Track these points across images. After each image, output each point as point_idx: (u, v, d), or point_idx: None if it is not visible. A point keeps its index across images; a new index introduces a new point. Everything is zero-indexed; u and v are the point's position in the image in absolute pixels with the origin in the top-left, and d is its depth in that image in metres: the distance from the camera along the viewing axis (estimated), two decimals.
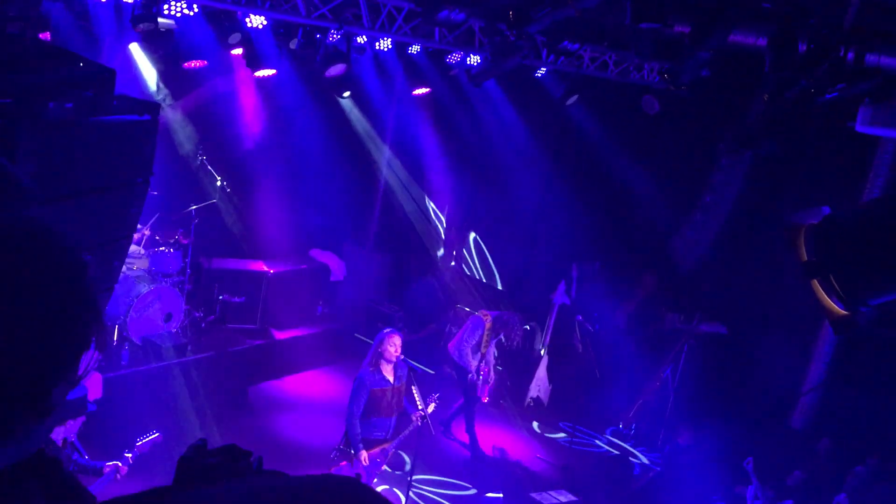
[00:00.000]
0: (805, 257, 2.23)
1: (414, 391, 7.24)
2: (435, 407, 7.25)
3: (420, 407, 7.15)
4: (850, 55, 7.18)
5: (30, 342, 0.97)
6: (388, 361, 7.04)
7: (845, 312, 2.14)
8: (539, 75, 10.12)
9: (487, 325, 9.20)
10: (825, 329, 10.15)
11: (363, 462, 6.89)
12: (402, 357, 7.14)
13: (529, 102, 11.48)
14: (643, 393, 10.64)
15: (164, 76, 9.87)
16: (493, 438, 10.06)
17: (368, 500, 0.90)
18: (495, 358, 9.76)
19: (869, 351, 9.81)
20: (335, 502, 0.87)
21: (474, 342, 9.17)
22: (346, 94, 9.79)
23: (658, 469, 9.84)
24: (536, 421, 10.76)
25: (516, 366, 11.37)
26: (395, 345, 7.03)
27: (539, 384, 11.12)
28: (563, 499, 8.97)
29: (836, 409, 10.17)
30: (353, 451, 6.93)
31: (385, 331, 7.27)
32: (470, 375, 9.11)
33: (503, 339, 9.29)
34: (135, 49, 9.18)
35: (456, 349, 9.29)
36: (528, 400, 11.09)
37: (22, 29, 5.03)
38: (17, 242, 0.98)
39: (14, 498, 1.10)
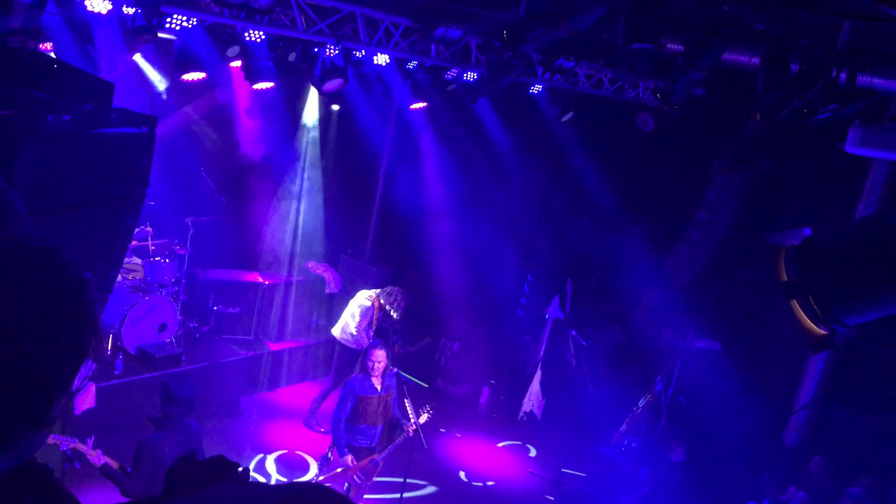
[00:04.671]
0: (785, 277, 2.28)
1: (406, 403, 7.27)
2: (428, 418, 7.27)
3: (412, 419, 7.17)
4: (843, 76, 7.27)
5: (34, 358, 1.01)
6: (373, 375, 7.08)
7: (822, 331, 2.19)
8: (535, 92, 10.20)
9: (375, 303, 9.45)
10: None
11: (349, 465, 6.93)
12: (396, 370, 7.20)
13: (525, 119, 11.54)
14: (636, 409, 10.65)
15: (165, 87, 9.94)
16: (486, 452, 10.08)
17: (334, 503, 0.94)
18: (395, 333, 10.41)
19: (861, 369, 9.85)
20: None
21: (367, 321, 9.44)
22: (335, 107, 9.91)
23: (649, 485, 9.84)
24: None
25: (510, 380, 11.39)
26: (377, 359, 7.07)
27: (532, 398, 11.14)
28: None
29: (829, 426, 10.20)
30: (339, 456, 6.97)
31: (370, 344, 7.36)
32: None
33: (388, 308, 9.49)
34: (139, 59, 9.26)
35: (347, 333, 9.51)
36: (522, 414, 11.10)
37: (23, 42, 5.08)
38: (19, 261, 1.03)
39: (5, 501, 1.14)
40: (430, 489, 8.88)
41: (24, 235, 1.12)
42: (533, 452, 10.25)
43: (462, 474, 9.47)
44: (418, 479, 8.75)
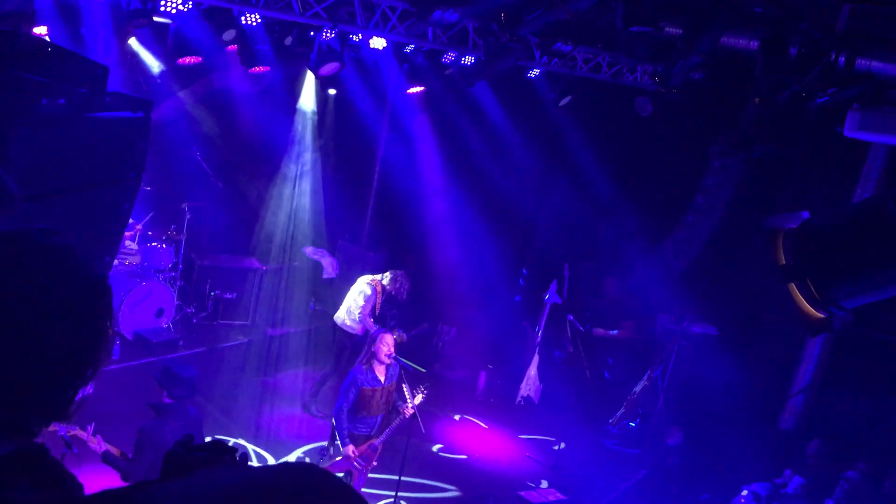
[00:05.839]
0: (783, 261, 2.27)
1: (404, 387, 7.25)
2: (423, 399, 7.25)
3: (409, 403, 7.15)
4: (842, 59, 7.23)
5: (69, 356, 1.05)
6: (381, 362, 7.04)
7: (820, 315, 2.19)
8: (533, 76, 10.16)
9: (377, 288, 9.39)
10: None
11: (351, 455, 6.92)
12: (394, 356, 7.15)
13: (522, 103, 11.50)
14: (633, 393, 10.69)
15: (160, 71, 9.89)
16: (483, 436, 10.10)
17: (324, 482, 0.94)
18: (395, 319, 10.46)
19: (858, 353, 9.87)
20: (294, 487, 0.92)
21: (370, 307, 9.35)
22: (332, 91, 9.88)
23: (646, 469, 9.89)
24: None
25: (508, 365, 11.41)
26: (387, 344, 7.03)
27: (530, 383, 11.16)
28: (551, 497, 9.02)
29: (825, 411, 10.22)
30: (341, 446, 6.96)
31: (377, 331, 7.28)
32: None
33: (393, 293, 9.47)
34: (134, 43, 9.21)
35: (351, 319, 9.44)
36: (519, 398, 11.12)
37: (16, 25, 5.04)
38: (45, 259, 1.07)
39: (3, 481, 1.15)
40: (425, 476, 8.91)
41: (42, 231, 1.13)
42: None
43: (464, 457, 9.50)
44: (416, 462, 8.77)
